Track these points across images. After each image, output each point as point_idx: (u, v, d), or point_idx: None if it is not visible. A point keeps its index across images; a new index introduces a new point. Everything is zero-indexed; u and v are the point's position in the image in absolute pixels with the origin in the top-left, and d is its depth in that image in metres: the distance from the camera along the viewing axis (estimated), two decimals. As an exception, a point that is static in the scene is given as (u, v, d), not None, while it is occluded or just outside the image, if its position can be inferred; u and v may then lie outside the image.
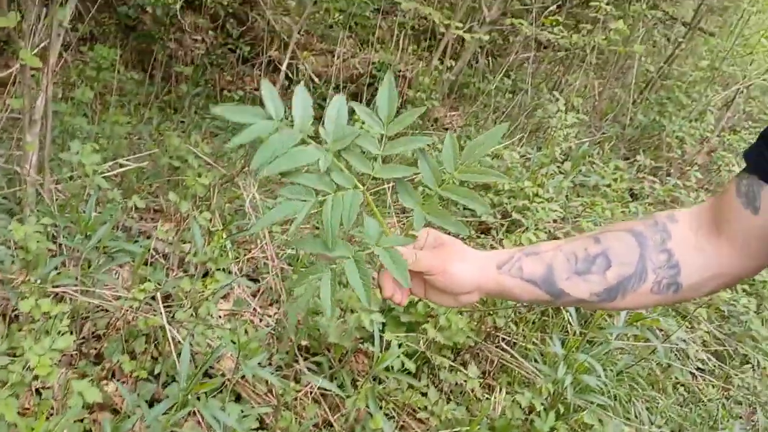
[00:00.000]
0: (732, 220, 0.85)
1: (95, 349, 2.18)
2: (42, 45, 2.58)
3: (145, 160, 2.71)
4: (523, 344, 2.49)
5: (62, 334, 1.80)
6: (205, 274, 2.35)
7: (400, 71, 4.85)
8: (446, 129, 5.38)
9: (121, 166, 2.62)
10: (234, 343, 1.75)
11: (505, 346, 2.39)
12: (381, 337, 2.07)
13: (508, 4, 4.65)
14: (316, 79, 4.67)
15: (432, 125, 5.18)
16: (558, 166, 3.93)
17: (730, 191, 0.85)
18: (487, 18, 4.74)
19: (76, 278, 2.19)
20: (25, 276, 2.15)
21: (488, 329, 2.46)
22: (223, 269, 2.20)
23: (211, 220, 2.33)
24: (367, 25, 5.75)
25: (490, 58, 5.85)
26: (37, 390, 1.93)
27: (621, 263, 0.89)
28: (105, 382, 2.08)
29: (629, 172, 4.21)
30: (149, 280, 2.35)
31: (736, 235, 0.85)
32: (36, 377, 1.65)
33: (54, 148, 3.03)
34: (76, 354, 2.17)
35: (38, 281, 1.94)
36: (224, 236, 2.17)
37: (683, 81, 5.02)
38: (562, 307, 2.62)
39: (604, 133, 4.69)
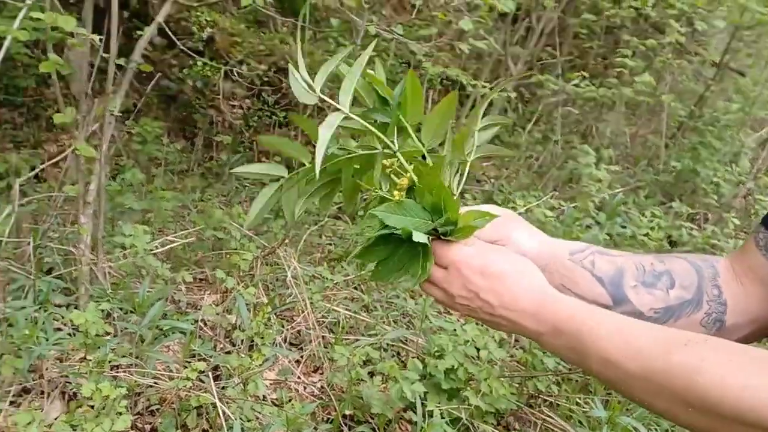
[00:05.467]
0: (756, 270, 0.89)
1: (150, 424, 2.27)
2: (92, 130, 2.77)
3: (191, 236, 2.83)
4: (567, 405, 2.50)
5: (120, 415, 1.90)
6: (251, 345, 2.44)
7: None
8: (478, 181, 5.46)
9: (170, 242, 2.75)
10: (280, 417, 1.82)
11: (546, 411, 2.40)
12: (423, 405, 2.11)
13: (533, 58, 4.75)
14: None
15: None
16: (593, 217, 3.95)
17: (750, 243, 0.90)
18: (513, 73, 4.85)
19: (131, 355, 2.31)
20: (83, 356, 2.27)
21: (530, 392, 2.47)
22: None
23: (255, 293, 2.42)
24: (396, 81, 5.93)
25: (520, 105, 5.96)
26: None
27: (682, 286, 0.90)
28: (160, 457, 2.16)
29: (666, 219, 4.20)
30: (199, 355, 2.45)
31: (762, 283, 0.89)
32: (98, 459, 1.73)
33: (104, 224, 3.20)
34: (132, 430, 2.26)
35: (95, 363, 2.05)
36: (268, 309, 2.26)
37: (715, 125, 5.02)
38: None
39: (638, 180, 4.71)
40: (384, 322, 2.73)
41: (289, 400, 2.03)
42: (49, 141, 5.24)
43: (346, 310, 2.74)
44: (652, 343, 0.71)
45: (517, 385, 2.44)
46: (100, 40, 2.45)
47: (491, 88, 4.62)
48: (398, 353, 2.70)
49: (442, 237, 0.86)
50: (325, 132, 0.80)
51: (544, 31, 4.77)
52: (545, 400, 2.49)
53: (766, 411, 0.60)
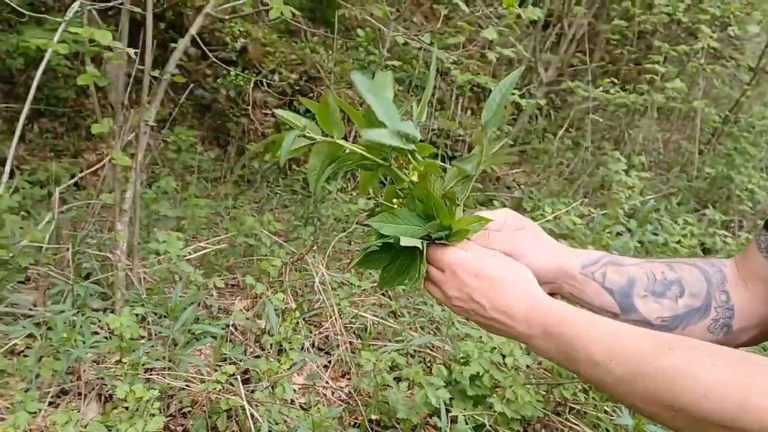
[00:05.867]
0: (758, 272, 0.90)
1: (182, 425, 2.33)
2: (128, 139, 2.85)
3: (223, 242, 2.90)
4: (594, 413, 2.49)
5: (153, 416, 1.96)
6: (280, 350, 2.49)
7: (460, 136, 4.99)
8: (509, 188, 5.46)
9: (202, 248, 2.82)
10: (307, 420, 1.86)
11: (572, 419, 2.40)
12: (449, 412, 2.13)
13: (564, 65, 4.74)
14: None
15: (494, 184, 5.27)
16: (624, 224, 3.92)
17: (752, 247, 0.91)
18: (543, 80, 4.85)
19: (164, 358, 2.38)
20: (119, 358, 2.35)
21: (557, 399, 2.47)
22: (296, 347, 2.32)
23: (284, 299, 2.47)
24: (420, 86, 5.95)
25: (551, 111, 5.94)
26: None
27: (692, 294, 0.91)
28: (191, 458, 2.22)
29: (699, 226, 4.15)
30: (230, 358, 2.51)
31: (765, 284, 0.90)
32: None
33: (140, 230, 3.29)
34: (165, 431, 2.32)
35: (130, 365, 2.11)
36: (297, 315, 2.31)
37: (750, 131, 4.94)
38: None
39: (671, 187, 4.65)
40: (411, 329, 2.76)
41: (317, 404, 2.07)
42: (89, 150, 5.40)
43: (374, 316, 2.77)
44: (639, 347, 0.72)
45: (543, 393, 2.44)
46: (136, 53, 2.54)
47: (521, 96, 4.63)
48: (425, 359, 2.72)
49: (437, 242, 0.89)
50: (314, 161, 0.83)
51: (575, 38, 4.75)
52: (572, 408, 2.48)
53: (751, 416, 0.61)
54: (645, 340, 0.73)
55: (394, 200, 0.91)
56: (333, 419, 2.09)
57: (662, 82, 4.21)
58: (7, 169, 3.09)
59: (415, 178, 0.88)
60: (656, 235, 3.90)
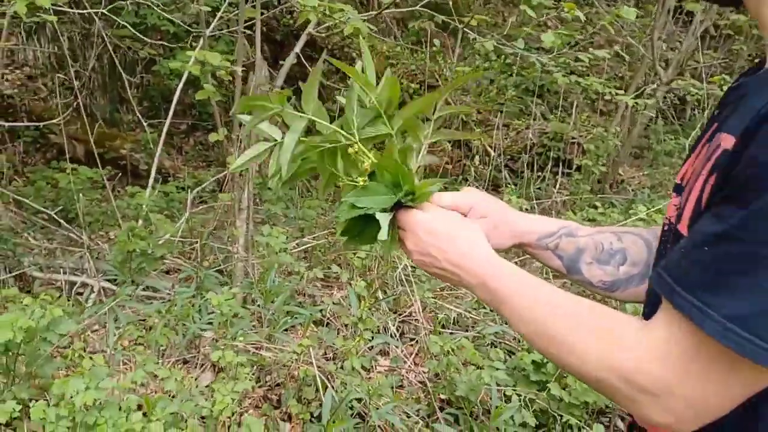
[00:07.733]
0: None
1: (277, 395, 2.67)
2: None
3: (324, 238, 3.22)
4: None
5: (246, 380, 2.30)
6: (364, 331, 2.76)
7: (573, 138, 4.99)
8: (633, 190, 5.34)
9: (305, 243, 3.16)
10: (366, 389, 2.10)
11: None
12: (504, 392, 2.27)
13: (684, 64, 4.60)
14: (491, 151, 4.99)
15: (614, 188, 5.20)
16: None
17: None
18: (663, 79, 4.72)
19: (265, 337, 2.73)
20: (222, 334, 2.73)
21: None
22: (377, 329, 2.57)
23: (368, 287, 2.74)
24: (551, 90, 5.97)
25: (677, 112, 5.71)
26: (229, 426, 2.44)
27: (633, 263, 1.05)
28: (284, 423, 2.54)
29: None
30: (320, 338, 2.81)
31: None
32: (220, 412, 2.14)
33: (261, 230, 3.72)
34: (263, 399, 2.67)
35: (230, 338, 2.48)
36: (374, 301, 2.56)
37: None
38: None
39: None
40: (492, 320, 2.91)
41: (401, 386, 2.31)
42: (233, 159, 6.04)
43: (457, 307, 2.95)
44: (546, 308, 0.84)
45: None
46: (244, 70, 2.94)
47: (639, 95, 4.56)
48: (508, 350, 2.85)
49: (406, 205, 1.03)
50: (289, 139, 1.03)
51: (694, 33, 4.60)
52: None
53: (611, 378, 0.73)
54: (553, 303, 0.85)
55: (360, 178, 1.09)
56: (410, 398, 2.31)
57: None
58: (153, 173, 3.65)
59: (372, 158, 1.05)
60: None
